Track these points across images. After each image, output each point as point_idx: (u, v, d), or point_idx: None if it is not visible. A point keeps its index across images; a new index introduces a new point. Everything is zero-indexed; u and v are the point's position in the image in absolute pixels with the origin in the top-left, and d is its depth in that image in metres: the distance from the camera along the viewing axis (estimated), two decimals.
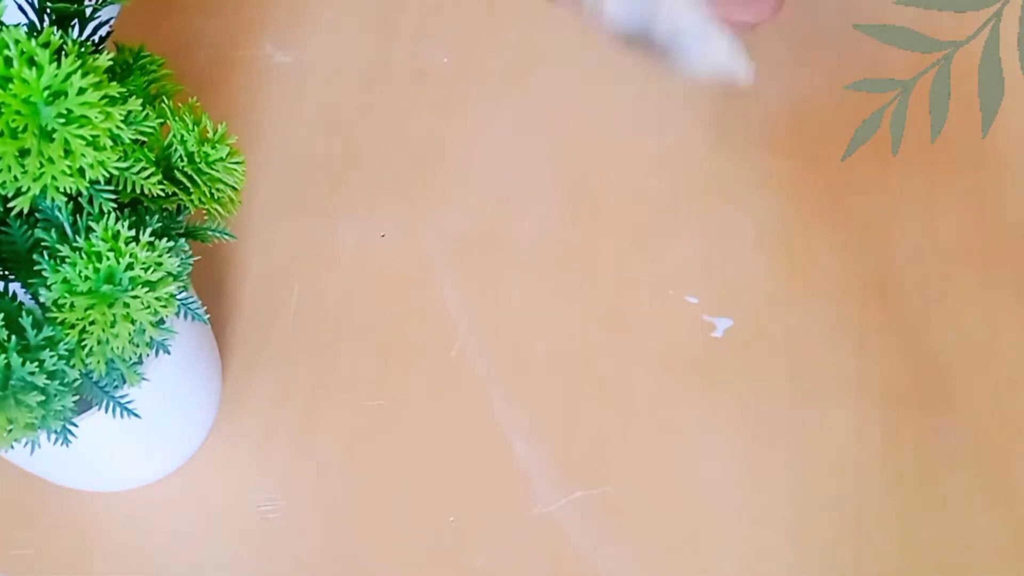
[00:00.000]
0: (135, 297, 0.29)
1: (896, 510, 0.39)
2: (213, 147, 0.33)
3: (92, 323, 0.29)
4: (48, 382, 0.29)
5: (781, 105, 0.50)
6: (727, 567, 0.38)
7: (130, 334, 0.30)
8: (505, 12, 0.53)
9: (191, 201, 0.32)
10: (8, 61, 0.26)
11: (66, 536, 0.40)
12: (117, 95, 0.27)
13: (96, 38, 0.33)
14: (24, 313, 0.29)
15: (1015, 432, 0.41)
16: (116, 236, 0.29)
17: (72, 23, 0.33)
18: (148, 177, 0.31)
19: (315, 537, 0.39)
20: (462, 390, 0.43)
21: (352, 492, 0.40)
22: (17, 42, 0.26)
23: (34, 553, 0.39)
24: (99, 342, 0.29)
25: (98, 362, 0.30)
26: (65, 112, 0.26)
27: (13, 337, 0.28)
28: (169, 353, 0.34)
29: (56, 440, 0.31)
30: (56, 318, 0.29)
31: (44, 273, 0.29)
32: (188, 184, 0.32)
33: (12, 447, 0.30)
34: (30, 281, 0.30)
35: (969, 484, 0.40)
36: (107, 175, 0.28)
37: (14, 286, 0.31)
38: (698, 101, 0.50)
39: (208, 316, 0.36)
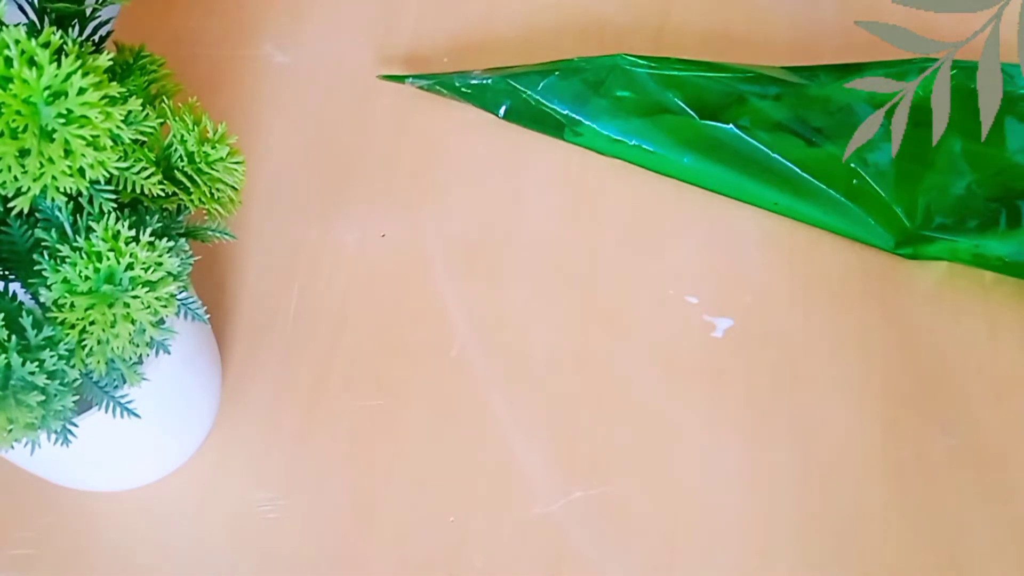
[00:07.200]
0: (135, 297, 0.29)
1: (896, 510, 0.39)
2: (213, 147, 0.33)
3: (92, 323, 0.29)
4: (48, 382, 0.29)
5: None
6: (727, 567, 0.38)
7: (130, 334, 0.30)
8: (506, 11, 0.53)
9: (191, 201, 0.32)
10: (8, 61, 0.26)
11: (66, 536, 0.40)
12: (117, 95, 0.27)
13: (96, 38, 0.33)
14: (24, 313, 0.29)
15: (1015, 432, 0.41)
16: (116, 236, 0.29)
17: (72, 23, 0.33)
18: (148, 177, 0.31)
19: (315, 537, 0.40)
20: (462, 390, 0.43)
21: (352, 492, 0.40)
22: (17, 42, 0.26)
23: (34, 553, 0.39)
24: (99, 342, 0.29)
25: (98, 362, 0.30)
26: (65, 112, 0.26)
27: (13, 337, 0.28)
28: (169, 353, 0.34)
29: (56, 440, 0.31)
30: (56, 318, 0.29)
31: (44, 273, 0.29)
32: (188, 184, 0.32)
33: (12, 447, 0.30)
34: (30, 281, 0.30)
35: (969, 484, 0.40)
36: (107, 175, 0.28)
37: (14, 286, 0.31)
38: None
39: (208, 316, 0.36)
